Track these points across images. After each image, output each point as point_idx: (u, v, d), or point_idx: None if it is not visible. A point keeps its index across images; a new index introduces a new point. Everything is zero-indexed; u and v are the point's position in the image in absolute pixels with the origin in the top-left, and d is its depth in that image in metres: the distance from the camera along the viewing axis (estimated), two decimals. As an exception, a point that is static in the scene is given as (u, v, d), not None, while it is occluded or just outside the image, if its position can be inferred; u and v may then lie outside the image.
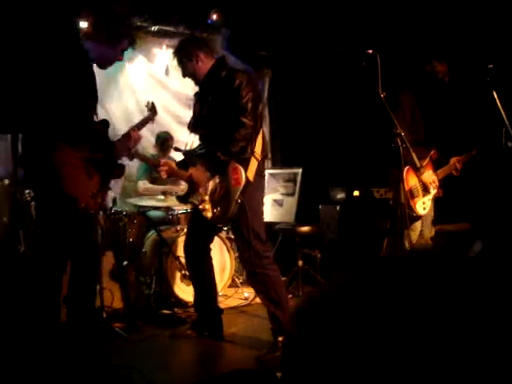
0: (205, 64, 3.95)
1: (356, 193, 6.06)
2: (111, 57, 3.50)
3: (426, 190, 4.72)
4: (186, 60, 3.95)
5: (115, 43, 3.44)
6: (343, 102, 6.57)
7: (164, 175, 4.00)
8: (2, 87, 2.96)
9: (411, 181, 4.64)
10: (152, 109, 4.08)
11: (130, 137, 3.63)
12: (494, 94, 4.04)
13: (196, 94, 4.15)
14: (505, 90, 4.11)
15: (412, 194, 4.64)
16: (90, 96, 3.36)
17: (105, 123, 3.48)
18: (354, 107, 6.41)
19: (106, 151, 3.45)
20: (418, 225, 4.80)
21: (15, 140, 2.58)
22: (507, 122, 4.00)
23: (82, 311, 3.38)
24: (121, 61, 3.61)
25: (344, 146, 6.60)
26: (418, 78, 4.73)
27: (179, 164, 4.12)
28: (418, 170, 4.56)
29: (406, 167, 4.53)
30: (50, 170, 3.13)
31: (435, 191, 4.79)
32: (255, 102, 3.77)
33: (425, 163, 4.67)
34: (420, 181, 4.69)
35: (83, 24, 3.65)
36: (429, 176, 4.71)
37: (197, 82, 4.06)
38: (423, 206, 4.72)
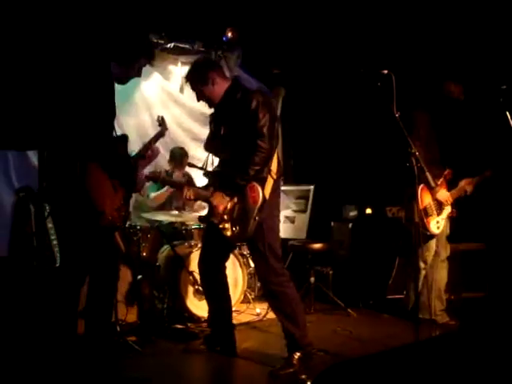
0: (220, 86, 3.96)
1: (368, 211, 6.08)
2: (129, 73, 3.57)
3: (440, 209, 4.75)
4: (201, 84, 3.95)
5: (133, 61, 3.51)
6: (356, 120, 6.62)
7: (191, 197, 4.02)
8: (27, 103, 3.02)
9: (425, 199, 4.69)
10: (163, 123, 4.13)
11: (149, 151, 3.69)
12: (508, 114, 4.08)
13: (211, 115, 4.17)
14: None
15: (426, 213, 4.67)
16: (111, 112, 3.43)
17: (124, 138, 3.55)
18: (367, 126, 6.45)
19: (127, 166, 3.53)
20: (432, 244, 4.83)
21: (42, 156, 2.64)
22: None
23: (100, 324, 3.41)
24: (139, 77, 3.67)
25: (357, 163, 6.64)
26: (434, 97, 4.79)
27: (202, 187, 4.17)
28: (432, 189, 4.61)
29: (421, 185, 4.58)
30: (78, 184, 3.19)
31: (449, 211, 4.81)
32: (272, 123, 3.78)
33: (439, 182, 4.72)
34: (434, 199, 4.73)
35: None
36: (443, 194, 4.75)
37: (212, 105, 4.06)
38: (437, 224, 4.75)
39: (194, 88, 4.04)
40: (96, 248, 3.37)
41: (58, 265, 3.87)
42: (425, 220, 4.65)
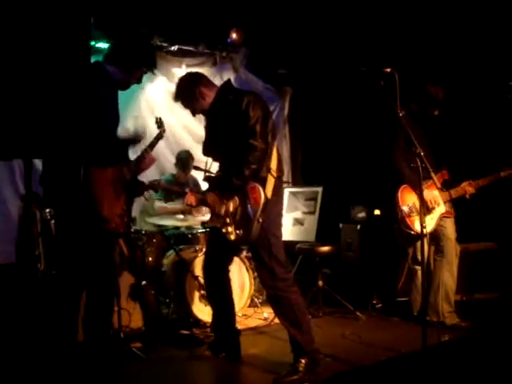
0: (209, 97, 3.93)
1: (377, 212, 5.99)
2: (130, 80, 3.54)
3: (427, 209, 4.63)
4: (191, 101, 3.94)
5: (135, 68, 3.47)
6: (363, 119, 6.53)
7: (193, 204, 4.00)
8: (24, 111, 3.00)
9: (408, 199, 4.63)
10: (161, 125, 4.10)
11: (144, 159, 3.66)
12: None
13: (206, 119, 4.13)
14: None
15: (409, 213, 4.60)
16: (115, 118, 3.39)
17: (125, 141, 3.51)
18: (375, 125, 6.35)
19: (131, 170, 3.50)
20: (423, 244, 4.70)
21: (29, 162, 2.60)
22: None
23: (99, 332, 3.37)
24: (139, 84, 3.63)
25: (365, 164, 6.54)
26: (418, 97, 4.74)
27: (205, 192, 4.12)
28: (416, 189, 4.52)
29: (403, 186, 4.64)
30: (81, 190, 3.16)
31: (442, 210, 4.70)
32: (264, 121, 3.72)
33: (429, 183, 4.59)
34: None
35: (102, 45, 3.70)
36: (428, 194, 4.64)
37: (205, 112, 4.04)
38: (424, 224, 4.61)
39: (186, 106, 4.03)
40: (97, 254, 3.32)
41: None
42: (408, 220, 4.60)
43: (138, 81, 3.58)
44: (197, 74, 4.16)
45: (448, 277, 4.79)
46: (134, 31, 3.67)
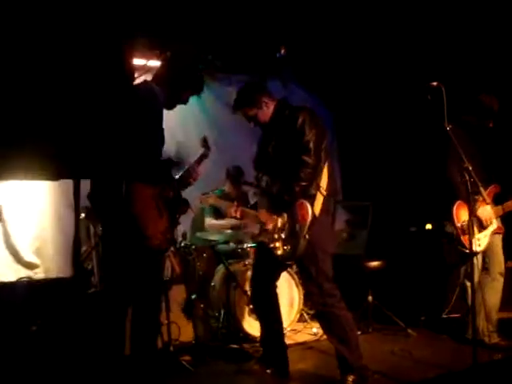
0: (269, 107, 3.97)
1: (428, 226, 5.89)
2: (177, 101, 3.60)
3: (481, 226, 4.51)
4: (255, 109, 3.96)
5: (183, 90, 3.54)
6: (413, 134, 6.46)
7: (237, 216, 4.04)
8: (71, 130, 3.07)
9: (463, 216, 4.49)
10: (205, 144, 4.13)
11: (190, 174, 3.70)
12: None
13: (261, 133, 4.16)
14: None
15: (463, 230, 4.46)
16: (160, 137, 3.45)
17: (169, 161, 3.57)
18: (425, 139, 6.28)
19: (173, 188, 3.55)
20: (477, 261, 4.58)
21: (78, 183, 2.70)
22: None
23: (146, 346, 3.42)
24: (185, 104, 3.68)
25: (416, 178, 6.46)
26: (473, 109, 4.63)
27: (252, 206, 4.16)
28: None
29: (458, 202, 4.44)
30: (124, 207, 3.23)
31: (493, 227, 4.57)
32: (319, 139, 3.75)
33: (481, 198, 4.47)
34: (474, 215, 4.47)
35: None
36: (483, 211, 4.51)
37: (263, 126, 4.07)
38: (478, 242, 4.48)
39: (245, 113, 4.02)
40: (142, 271, 3.38)
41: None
42: (462, 237, 4.46)
43: (184, 102, 3.64)
44: (261, 83, 4.21)
45: (491, 295, 4.62)
46: (184, 53, 3.70)
